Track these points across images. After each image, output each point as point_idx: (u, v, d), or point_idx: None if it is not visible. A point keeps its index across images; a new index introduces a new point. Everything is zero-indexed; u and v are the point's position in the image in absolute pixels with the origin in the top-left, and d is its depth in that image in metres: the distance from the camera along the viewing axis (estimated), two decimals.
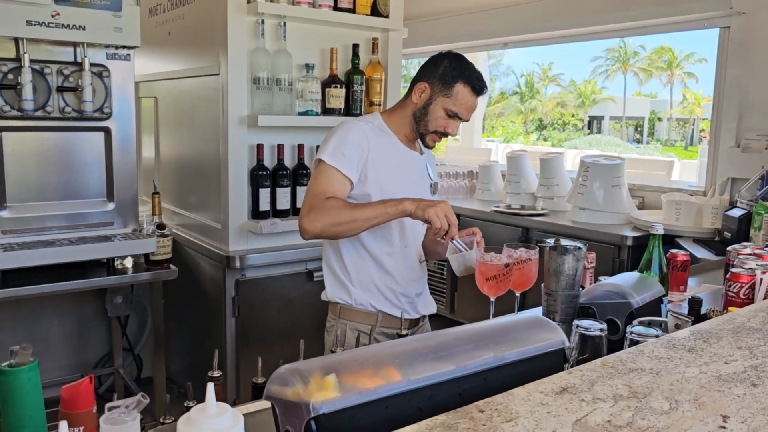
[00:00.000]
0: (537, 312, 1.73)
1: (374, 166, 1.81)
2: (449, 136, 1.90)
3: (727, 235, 2.99)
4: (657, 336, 1.23)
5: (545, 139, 33.05)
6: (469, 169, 4.78)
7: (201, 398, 0.77)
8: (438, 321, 4.62)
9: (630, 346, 1.25)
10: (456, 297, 4.30)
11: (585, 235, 3.48)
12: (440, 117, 1.84)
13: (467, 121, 1.89)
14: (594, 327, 1.27)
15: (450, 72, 1.82)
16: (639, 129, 38.75)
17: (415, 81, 1.88)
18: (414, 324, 1.97)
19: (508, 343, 1.03)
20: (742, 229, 2.87)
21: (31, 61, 2.22)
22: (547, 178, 4.07)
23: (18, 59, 2.22)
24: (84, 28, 2.25)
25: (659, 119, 38.50)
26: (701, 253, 2.92)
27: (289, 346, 2.70)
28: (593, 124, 38.51)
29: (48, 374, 3.01)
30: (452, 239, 1.69)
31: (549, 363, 1.05)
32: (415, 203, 1.68)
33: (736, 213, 2.94)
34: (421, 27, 5.12)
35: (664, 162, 5.58)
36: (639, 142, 36.65)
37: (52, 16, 2.17)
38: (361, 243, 1.85)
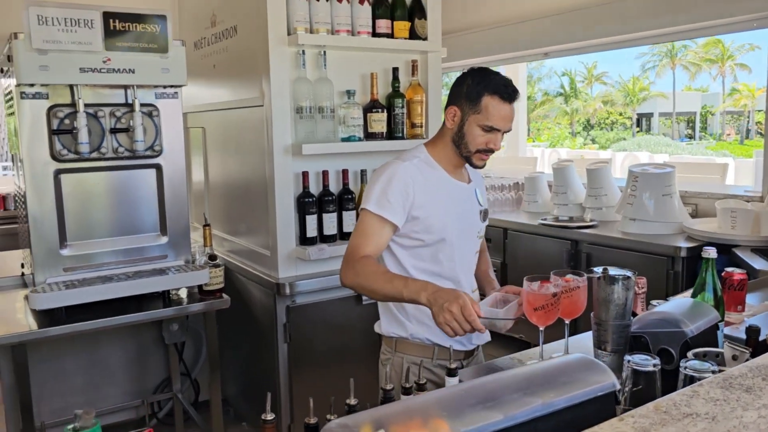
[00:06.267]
0: (587, 339, 1.70)
1: (421, 205, 1.80)
2: (495, 151, 1.86)
3: None
4: (713, 371, 1.20)
5: (593, 140, 32.42)
6: (515, 180, 4.74)
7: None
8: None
9: (685, 381, 1.22)
10: None
11: (637, 247, 3.41)
12: (477, 135, 1.80)
13: (508, 130, 1.84)
14: (647, 363, 1.25)
15: (474, 88, 1.79)
16: (691, 124, 37.64)
17: (446, 107, 1.86)
18: (469, 355, 1.96)
19: (557, 388, 1.02)
20: None
21: (85, 105, 2.32)
22: (595, 188, 4.00)
23: (73, 104, 2.32)
24: (134, 71, 2.34)
25: (711, 114, 37.33)
26: (760, 264, 2.82)
27: (341, 370, 2.75)
28: (642, 121, 37.60)
29: (109, 400, 3.13)
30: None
31: (600, 407, 1.04)
32: (429, 302, 1.62)
33: None
34: (459, 41, 5.13)
35: (718, 165, 5.41)
36: (691, 137, 35.59)
37: (104, 62, 2.26)
38: (410, 275, 1.85)
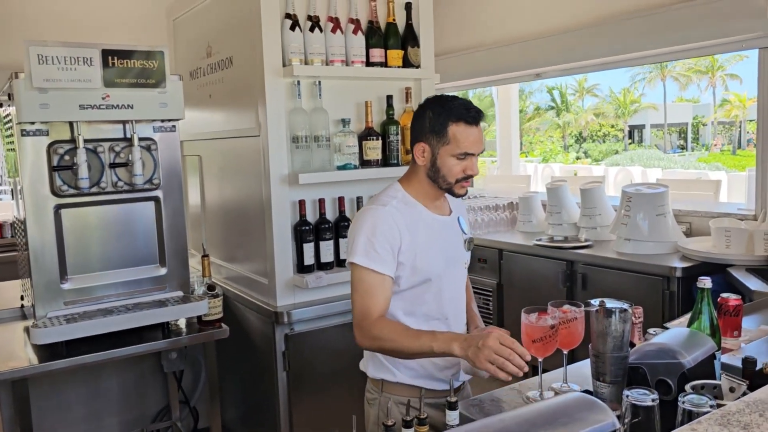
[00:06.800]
0: (586, 367, 1.72)
1: (407, 248, 1.77)
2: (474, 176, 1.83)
3: None
4: (711, 406, 1.22)
5: (586, 153, 32.58)
6: (509, 200, 4.77)
7: None
8: None
9: (683, 416, 1.24)
10: None
11: (632, 268, 3.44)
12: (453, 165, 1.77)
13: (482, 152, 1.81)
14: (645, 398, 1.27)
15: (437, 120, 1.76)
16: (683, 135, 37.91)
17: (412, 144, 1.82)
18: (457, 391, 1.95)
19: (557, 429, 1.04)
20: None
21: (85, 141, 2.35)
22: (589, 207, 4.04)
23: (73, 140, 2.34)
24: (132, 107, 2.36)
25: (703, 124, 37.61)
26: (755, 284, 2.85)
27: (340, 397, 2.75)
28: (634, 133, 37.84)
29: (110, 430, 3.13)
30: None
31: None
32: (463, 349, 1.58)
33: None
34: (451, 63, 5.18)
35: (711, 182, 5.46)
36: (683, 148, 35.82)
37: (103, 98, 2.29)
38: (401, 322, 1.82)
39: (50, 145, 2.36)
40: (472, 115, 1.76)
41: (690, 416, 1.21)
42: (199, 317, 2.68)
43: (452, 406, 1.55)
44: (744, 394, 1.37)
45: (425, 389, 1.83)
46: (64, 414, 3.01)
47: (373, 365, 1.89)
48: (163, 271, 2.65)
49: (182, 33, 3.56)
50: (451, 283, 1.90)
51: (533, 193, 4.71)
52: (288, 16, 2.71)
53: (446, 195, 1.91)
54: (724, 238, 3.32)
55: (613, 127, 36.20)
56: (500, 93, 6.82)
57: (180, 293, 2.67)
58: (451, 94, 1.87)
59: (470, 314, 2.05)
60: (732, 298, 1.92)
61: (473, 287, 4.33)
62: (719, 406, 1.21)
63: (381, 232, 1.73)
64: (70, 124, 2.34)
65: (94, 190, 2.40)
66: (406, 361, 1.82)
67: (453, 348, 1.60)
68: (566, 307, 1.68)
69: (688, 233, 3.85)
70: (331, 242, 2.85)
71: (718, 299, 1.92)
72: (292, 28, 2.70)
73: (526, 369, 1.55)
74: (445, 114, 1.76)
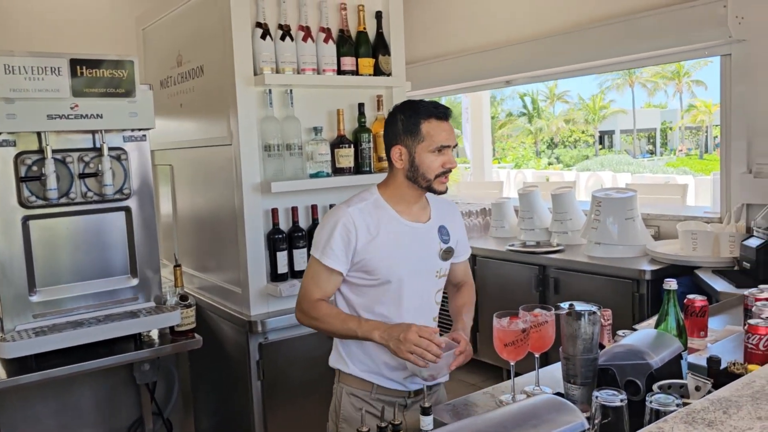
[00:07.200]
0: (558, 370, 1.74)
1: (364, 249, 1.84)
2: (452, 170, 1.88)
3: (746, 265, 2.99)
4: (677, 405, 1.25)
5: (558, 159, 32.99)
6: (482, 206, 4.82)
7: None
8: None
9: (650, 415, 1.27)
10: (478, 337, 4.31)
11: (602, 271, 3.50)
12: (432, 161, 1.84)
13: (456, 145, 1.88)
14: (614, 398, 1.29)
15: (409, 121, 1.84)
16: (651, 140, 38.60)
17: (387, 150, 1.89)
18: (417, 393, 1.95)
19: (527, 431, 1.05)
20: (761, 260, 2.87)
21: (53, 151, 2.31)
22: (560, 212, 4.10)
23: (41, 151, 2.31)
24: (101, 116, 2.34)
25: (671, 129, 38.34)
26: (721, 285, 2.92)
27: (315, 405, 2.74)
28: (604, 139, 38.41)
29: None
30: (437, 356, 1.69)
31: None
32: (383, 338, 1.74)
33: (754, 243, 2.94)
34: (422, 70, 5.23)
35: (678, 186, 5.58)
36: (652, 153, 36.47)
37: (71, 108, 2.26)
38: (360, 316, 1.89)
39: (18, 155, 2.32)
40: (441, 111, 1.85)
41: (657, 415, 1.24)
42: (171, 328, 2.66)
43: (426, 412, 1.56)
44: (709, 392, 1.41)
45: (376, 385, 1.90)
46: (35, 428, 2.94)
47: (333, 355, 1.99)
48: (134, 281, 2.62)
49: (152, 42, 3.53)
50: (415, 290, 1.91)
51: (506, 198, 4.76)
52: (259, 24, 2.71)
53: (434, 203, 1.98)
54: (690, 240, 3.40)
55: (583, 132, 36.71)
56: (472, 100, 6.88)
57: (152, 304, 2.64)
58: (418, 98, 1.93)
59: (457, 318, 2.03)
60: (698, 300, 1.97)
61: (447, 294, 4.37)
62: (685, 404, 1.24)
63: (339, 233, 1.84)
64: (38, 134, 2.31)
65: (63, 200, 2.37)
66: (358, 353, 1.90)
67: (374, 335, 1.76)
68: (537, 311, 1.71)
69: (657, 236, 3.93)
70: (305, 250, 2.84)
71: (685, 301, 1.97)
72: (263, 36, 2.70)
73: (441, 357, 1.70)
74: (416, 114, 1.84)
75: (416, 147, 1.84)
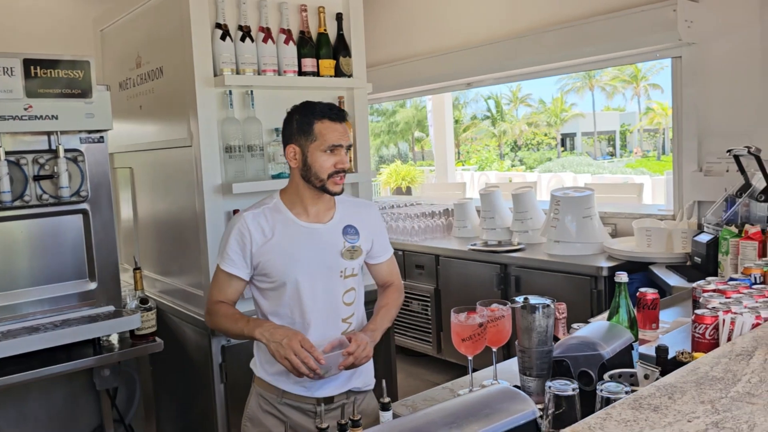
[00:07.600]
0: (515, 364, 1.78)
1: (260, 253, 1.90)
2: (345, 171, 1.91)
3: (698, 260, 3.09)
4: (626, 392, 1.29)
5: (521, 161, 33.43)
6: (444, 207, 4.87)
7: None
8: (426, 361, 4.67)
9: (601, 403, 1.31)
10: (442, 336, 4.35)
11: (562, 269, 3.57)
12: (324, 160, 1.86)
13: (350, 145, 1.92)
14: (566, 387, 1.33)
15: (303, 120, 1.88)
16: (611, 142, 39.40)
17: (284, 150, 1.93)
18: (329, 401, 1.94)
19: (480, 420, 1.08)
20: (710, 254, 2.96)
21: (7, 153, 2.27)
22: (521, 212, 4.17)
23: None
24: (57, 117, 2.30)
25: (630, 131, 39.20)
26: (674, 280, 3.00)
27: None
28: (566, 141, 39.08)
29: None
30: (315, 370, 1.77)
31: None
32: (264, 337, 1.80)
33: (704, 238, 3.04)
34: (384, 72, 5.26)
35: (635, 185, 5.73)
36: (612, 155, 37.23)
37: (25, 108, 2.22)
38: (267, 318, 1.95)
39: None
40: (335, 112, 1.90)
41: (608, 402, 1.28)
42: (131, 332, 2.63)
43: (385, 407, 1.57)
44: (657, 380, 1.46)
45: (283, 390, 1.94)
46: None
47: (254, 357, 2.05)
48: (92, 285, 2.58)
49: (110, 43, 3.49)
50: (315, 291, 1.92)
51: (468, 199, 4.82)
52: (219, 26, 2.71)
53: (344, 204, 2.02)
54: (645, 237, 3.50)
55: (546, 135, 37.27)
56: (434, 102, 6.95)
57: (111, 308, 2.60)
58: (317, 100, 1.95)
59: (371, 320, 2.03)
60: (649, 293, 2.03)
61: (412, 294, 4.41)
62: (635, 392, 1.28)
63: (234, 239, 1.92)
64: None
65: (18, 203, 2.32)
66: (266, 355, 1.89)
67: (255, 333, 1.83)
68: (494, 305, 1.75)
69: (614, 234, 4.03)
70: None
71: (637, 293, 2.03)
72: (223, 38, 2.70)
73: (320, 372, 1.77)
74: (310, 114, 1.89)
75: (308, 146, 1.87)
